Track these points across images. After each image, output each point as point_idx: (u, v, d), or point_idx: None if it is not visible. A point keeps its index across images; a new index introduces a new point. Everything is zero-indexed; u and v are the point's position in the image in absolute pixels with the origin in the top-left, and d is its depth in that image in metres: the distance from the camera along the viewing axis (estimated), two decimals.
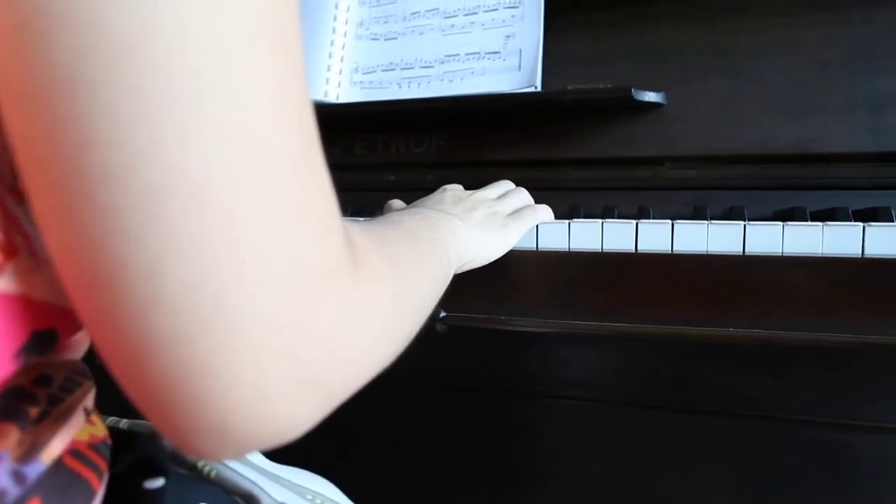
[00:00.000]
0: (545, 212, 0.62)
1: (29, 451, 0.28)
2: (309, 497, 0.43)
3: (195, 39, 0.21)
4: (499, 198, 0.62)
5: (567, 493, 0.86)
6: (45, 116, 0.21)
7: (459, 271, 0.52)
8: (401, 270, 0.36)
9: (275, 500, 0.40)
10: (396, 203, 0.64)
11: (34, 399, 0.29)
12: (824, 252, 0.53)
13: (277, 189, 0.24)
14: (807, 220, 0.57)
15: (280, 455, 0.37)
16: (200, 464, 0.41)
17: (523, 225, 0.59)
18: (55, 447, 0.29)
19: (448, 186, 0.62)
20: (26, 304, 0.26)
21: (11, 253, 0.25)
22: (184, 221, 0.22)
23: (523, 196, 0.63)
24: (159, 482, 0.35)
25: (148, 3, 0.20)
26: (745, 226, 0.55)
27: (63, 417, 0.30)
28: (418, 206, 0.57)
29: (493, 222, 0.57)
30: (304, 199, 0.25)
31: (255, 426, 0.24)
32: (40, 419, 0.29)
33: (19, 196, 0.27)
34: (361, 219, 0.67)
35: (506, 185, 0.64)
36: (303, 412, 0.25)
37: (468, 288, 0.53)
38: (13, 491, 0.26)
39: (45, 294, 0.27)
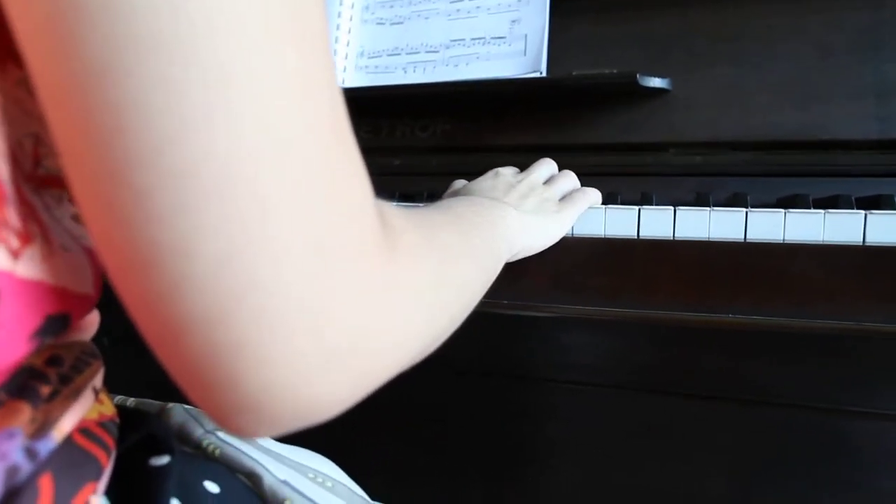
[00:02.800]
0: (595, 194, 0.61)
1: (41, 429, 0.28)
2: (311, 475, 0.44)
3: (222, 29, 0.22)
4: (548, 181, 0.61)
5: (568, 477, 0.87)
6: (79, 105, 0.22)
7: (513, 260, 0.51)
8: (443, 254, 0.36)
9: (277, 477, 0.41)
10: (458, 183, 0.63)
11: (46, 378, 0.30)
12: (826, 239, 0.53)
13: (305, 170, 0.24)
14: (809, 208, 0.57)
15: (284, 435, 0.38)
16: (205, 442, 0.42)
17: (576, 210, 0.59)
18: (65, 425, 0.30)
19: (500, 170, 0.60)
20: (42, 289, 0.27)
21: (27, 239, 0.26)
22: (210, 203, 0.22)
23: (572, 179, 0.63)
24: (165, 459, 0.35)
25: (175, 1, 0.21)
26: (746, 213, 0.55)
27: (73, 396, 0.31)
28: (471, 193, 0.56)
29: (546, 209, 0.56)
30: (334, 179, 0.25)
31: (287, 405, 0.25)
32: (51, 398, 0.30)
33: (38, 183, 0.28)
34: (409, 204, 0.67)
35: (550, 165, 0.63)
36: (335, 392, 0.26)
37: None
38: (26, 466, 0.27)
39: (59, 279, 0.27)
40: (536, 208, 0.56)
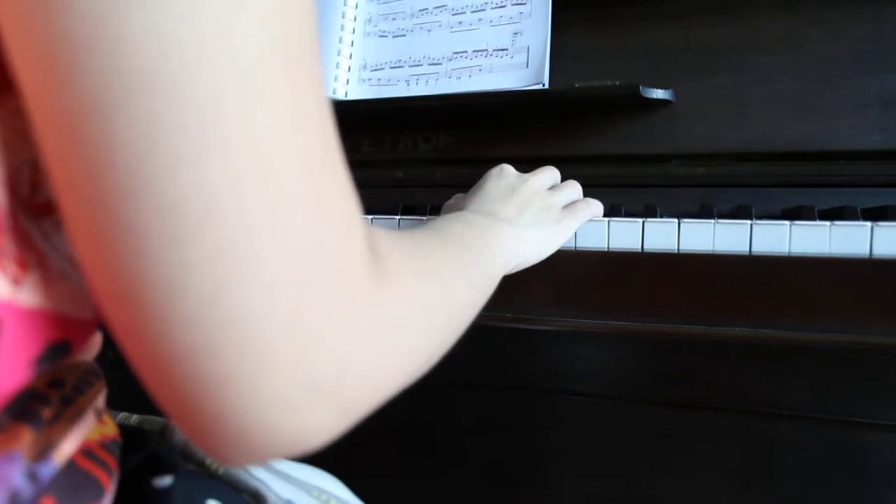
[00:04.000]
0: (598, 206, 0.61)
1: (42, 452, 0.28)
2: (315, 494, 0.44)
3: (210, 65, 0.22)
4: (552, 187, 0.60)
5: (572, 490, 0.87)
6: (73, 139, 0.22)
7: (510, 273, 0.51)
8: (434, 278, 0.35)
9: (281, 497, 0.41)
10: (456, 197, 0.62)
11: (47, 400, 0.30)
12: (832, 252, 0.53)
13: (291, 203, 0.24)
14: (815, 219, 0.57)
15: None
16: (209, 461, 0.42)
17: (577, 220, 0.58)
18: (67, 447, 0.30)
19: (505, 167, 0.59)
20: (43, 317, 0.27)
21: (25, 267, 0.26)
22: (198, 237, 0.22)
23: (577, 189, 0.62)
24: (168, 480, 0.35)
25: (165, 32, 0.21)
26: (751, 225, 0.55)
27: (75, 418, 0.31)
28: (470, 204, 0.55)
29: (546, 218, 0.56)
30: (321, 213, 0.25)
31: (274, 436, 0.25)
32: (53, 420, 0.30)
33: (36, 210, 0.28)
34: (370, 217, 0.68)
35: (553, 172, 0.62)
36: (321, 423, 0.26)
37: None
38: (27, 490, 0.27)
39: (59, 306, 0.27)
40: (535, 218, 0.55)
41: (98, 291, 0.25)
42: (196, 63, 0.22)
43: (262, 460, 0.26)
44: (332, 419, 0.26)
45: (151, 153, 0.22)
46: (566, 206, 0.59)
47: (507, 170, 0.59)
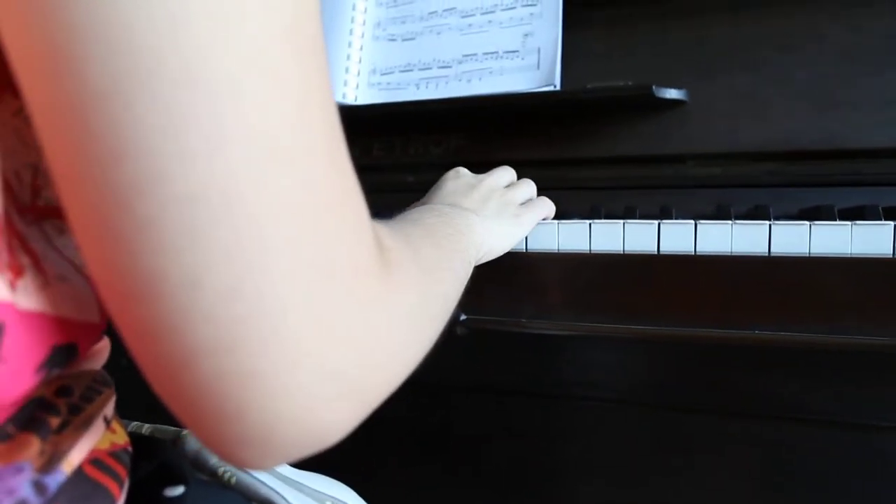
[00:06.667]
0: (551, 205, 0.62)
1: (50, 461, 0.28)
2: (328, 503, 0.43)
3: (221, 56, 0.21)
4: (507, 186, 0.62)
5: (588, 498, 0.86)
6: (80, 133, 0.21)
7: (477, 263, 0.51)
8: (426, 269, 0.36)
9: None
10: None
11: (55, 409, 0.29)
12: (853, 252, 0.52)
13: (304, 194, 0.24)
14: (835, 219, 0.55)
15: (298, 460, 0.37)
16: (221, 470, 0.41)
17: (535, 215, 0.60)
18: (75, 456, 0.29)
19: (461, 170, 0.62)
20: (44, 320, 0.26)
21: (18, 271, 0.26)
22: (216, 230, 0.22)
23: (530, 187, 0.64)
24: (179, 490, 0.35)
25: (176, 22, 0.21)
26: (770, 226, 0.54)
27: (83, 426, 0.30)
28: (433, 201, 0.57)
29: (506, 212, 0.57)
30: (333, 203, 0.25)
31: (297, 432, 0.24)
32: (61, 429, 0.29)
33: (38, 214, 0.27)
34: (380, 220, 0.67)
35: (509, 171, 0.64)
36: (340, 417, 0.26)
37: (488, 290, 0.53)
38: (34, 501, 0.27)
39: (59, 310, 0.27)
40: (497, 212, 0.57)
41: (108, 293, 0.24)
42: (208, 47, 0.21)
43: (283, 459, 0.26)
44: (352, 410, 0.26)
45: (165, 143, 0.21)
46: (522, 204, 0.61)
47: (463, 171, 0.62)
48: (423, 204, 0.57)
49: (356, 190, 0.27)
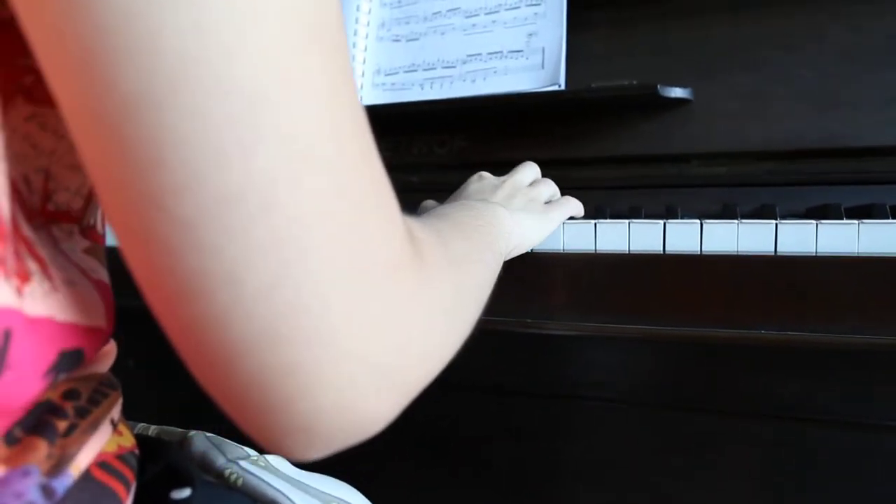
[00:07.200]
0: (578, 204, 0.62)
1: (57, 465, 0.28)
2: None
3: (250, 59, 0.22)
4: (531, 185, 0.62)
5: (591, 500, 0.85)
6: (115, 141, 0.22)
7: (507, 258, 0.51)
8: (458, 261, 0.37)
9: None
10: (429, 203, 0.64)
11: (62, 412, 0.29)
12: (861, 251, 0.52)
13: (339, 190, 0.24)
14: (842, 218, 0.55)
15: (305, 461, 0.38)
16: (227, 471, 0.41)
17: (562, 212, 0.60)
18: (83, 460, 0.29)
19: (483, 174, 0.62)
20: (51, 326, 0.26)
21: (25, 277, 0.26)
22: (253, 228, 0.22)
23: (553, 186, 0.64)
24: (186, 492, 0.35)
25: (205, 28, 0.21)
26: (776, 224, 0.54)
27: (90, 430, 0.30)
28: (459, 198, 0.57)
29: (533, 207, 0.58)
30: (366, 197, 0.26)
31: (340, 423, 0.25)
32: (68, 432, 0.29)
33: (47, 218, 0.27)
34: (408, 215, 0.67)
35: (533, 168, 0.64)
36: (383, 407, 0.26)
37: (493, 290, 0.53)
38: None
39: (66, 315, 0.27)
40: (524, 207, 0.57)
41: (152, 294, 0.24)
42: (233, 52, 0.21)
43: (327, 450, 0.26)
44: (393, 400, 0.27)
45: (201, 148, 0.22)
46: (547, 202, 0.61)
47: (486, 174, 0.62)
48: (444, 203, 0.57)
49: (386, 183, 0.27)
